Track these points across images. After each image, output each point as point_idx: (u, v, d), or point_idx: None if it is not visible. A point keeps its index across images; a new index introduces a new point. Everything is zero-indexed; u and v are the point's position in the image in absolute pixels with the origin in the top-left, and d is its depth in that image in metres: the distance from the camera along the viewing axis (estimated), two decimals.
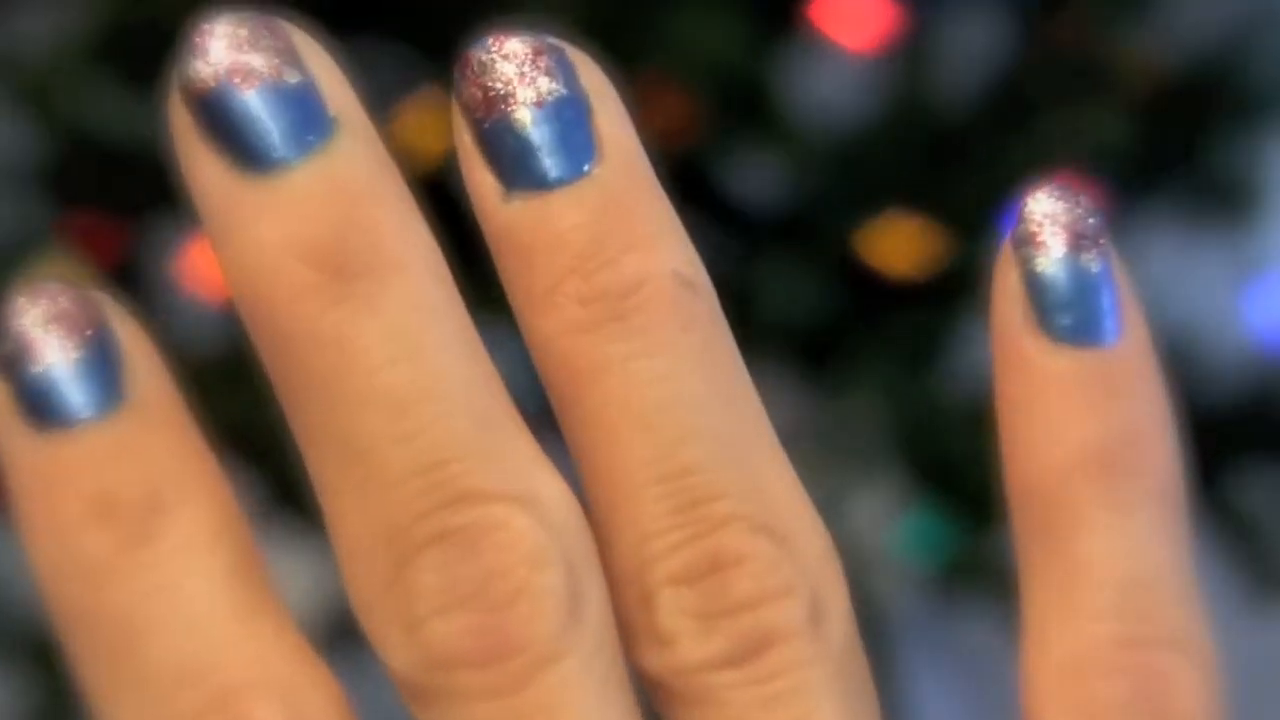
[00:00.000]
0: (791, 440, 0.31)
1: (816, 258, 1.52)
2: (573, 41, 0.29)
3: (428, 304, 0.26)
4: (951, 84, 1.60)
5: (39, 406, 0.25)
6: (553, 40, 0.27)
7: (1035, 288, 0.28)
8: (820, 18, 1.54)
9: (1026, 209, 0.28)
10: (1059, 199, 0.28)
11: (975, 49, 1.64)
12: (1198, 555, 0.30)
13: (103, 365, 0.26)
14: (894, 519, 1.55)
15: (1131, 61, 1.61)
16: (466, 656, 0.25)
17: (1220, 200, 1.64)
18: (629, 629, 0.26)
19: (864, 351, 1.54)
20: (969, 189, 1.51)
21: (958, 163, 1.53)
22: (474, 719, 0.25)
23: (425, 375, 0.26)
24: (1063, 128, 1.55)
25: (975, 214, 1.45)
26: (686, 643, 0.26)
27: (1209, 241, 1.68)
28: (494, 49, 0.27)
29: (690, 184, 1.52)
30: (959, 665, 1.56)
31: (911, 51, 1.56)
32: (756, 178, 1.56)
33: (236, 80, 0.25)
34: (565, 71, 0.27)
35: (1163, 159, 1.64)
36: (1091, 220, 0.28)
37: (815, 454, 1.45)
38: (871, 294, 1.53)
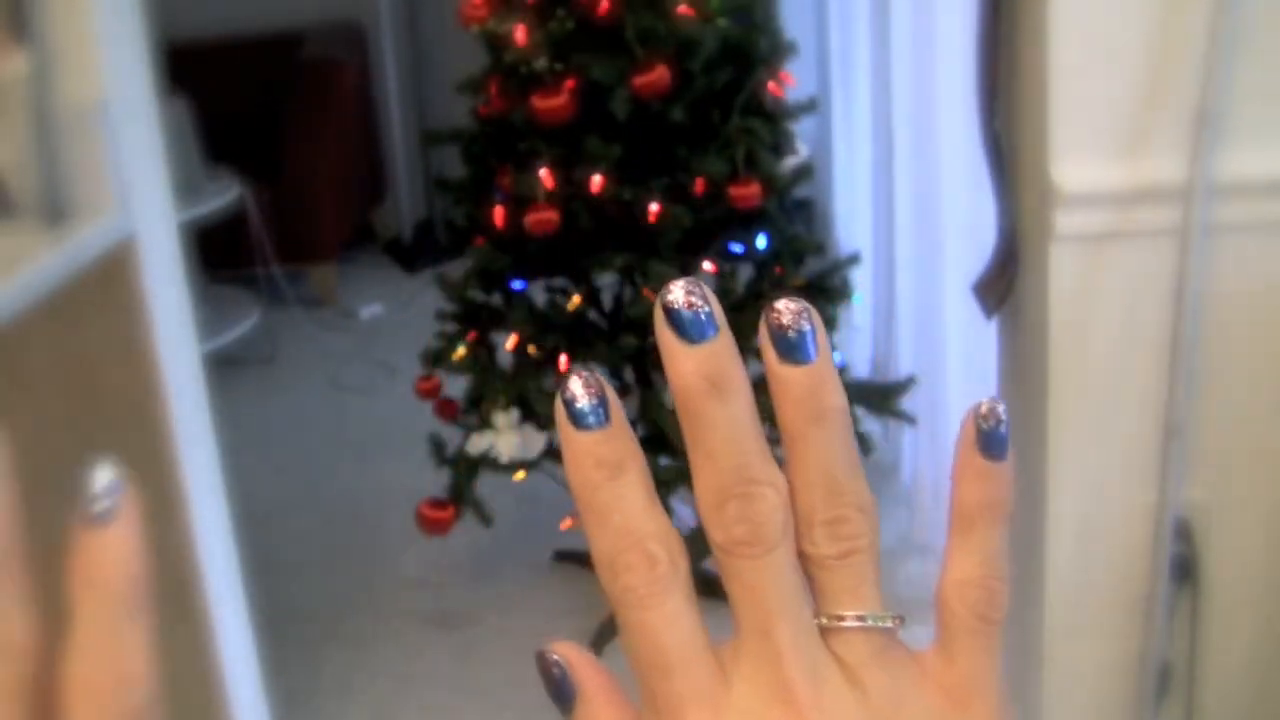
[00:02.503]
0: None
1: None
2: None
3: (743, 404, 0.31)
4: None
5: (576, 419, 0.31)
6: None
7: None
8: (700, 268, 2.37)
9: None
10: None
11: (745, 275, 2.39)
12: None
13: (600, 406, 0.31)
14: None
15: (797, 280, 2.38)
16: (742, 540, 0.31)
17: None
18: (801, 541, 0.31)
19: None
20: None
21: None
22: (741, 565, 0.31)
23: (739, 433, 0.31)
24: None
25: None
26: (823, 546, 0.31)
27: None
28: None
29: None
30: None
31: (726, 276, 2.35)
32: None
33: (684, 305, 0.31)
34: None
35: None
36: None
37: None
38: None
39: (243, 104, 4.39)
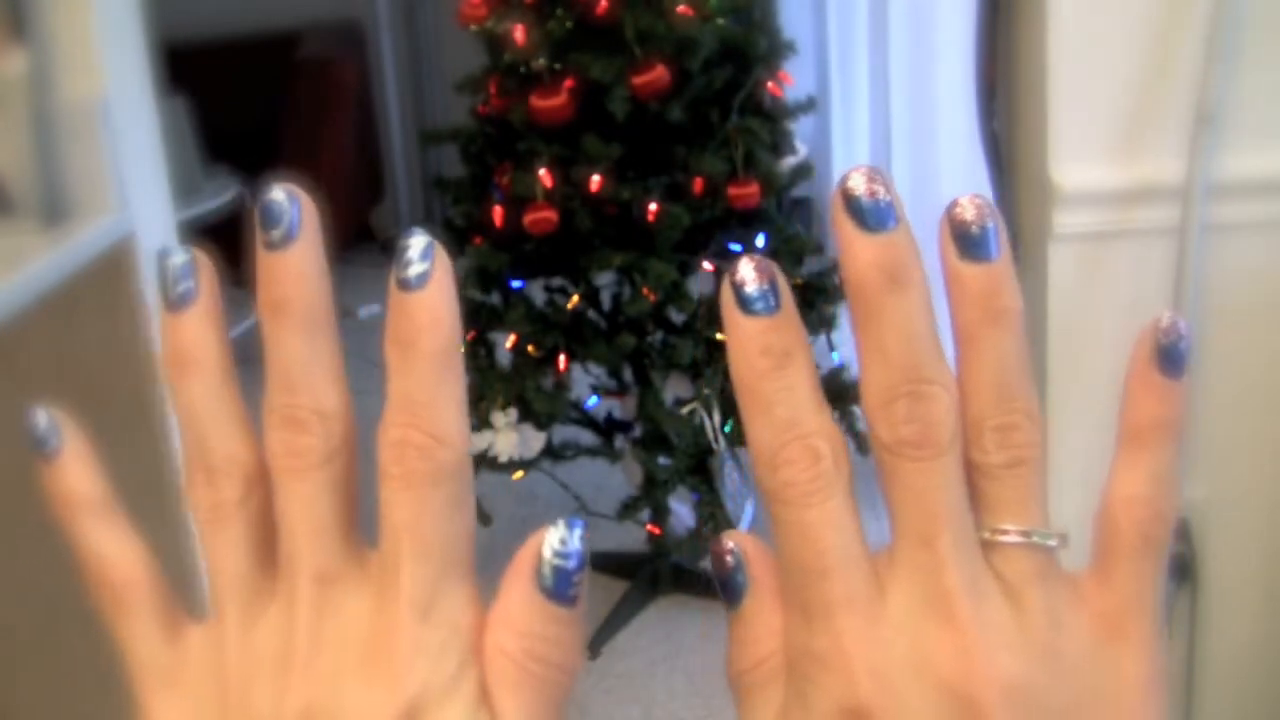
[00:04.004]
0: None
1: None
2: None
3: (921, 299, 0.29)
4: None
5: (745, 304, 0.29)
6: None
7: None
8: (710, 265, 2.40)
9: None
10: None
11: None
12: None
13: (771, 291, 0.29)
14: None
15: (796, 279, 2.38)
16: (910, 441, 0.29)
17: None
18: (968, 448, 0.30)
19: None
20: None
21: None
22: (907, 468, 0.29)
23: (915, 329, 0.29)
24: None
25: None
26: (991, 454, 0.30)
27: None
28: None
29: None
30: None
31: (724, 276, 2.47)
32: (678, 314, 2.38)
33: (865, 193, 0.29)
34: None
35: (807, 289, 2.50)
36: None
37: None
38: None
39: (241, 103, 4.39)
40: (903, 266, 0.29)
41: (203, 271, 0.32)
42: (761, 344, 0.29)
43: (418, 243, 0.29)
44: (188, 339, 0.31)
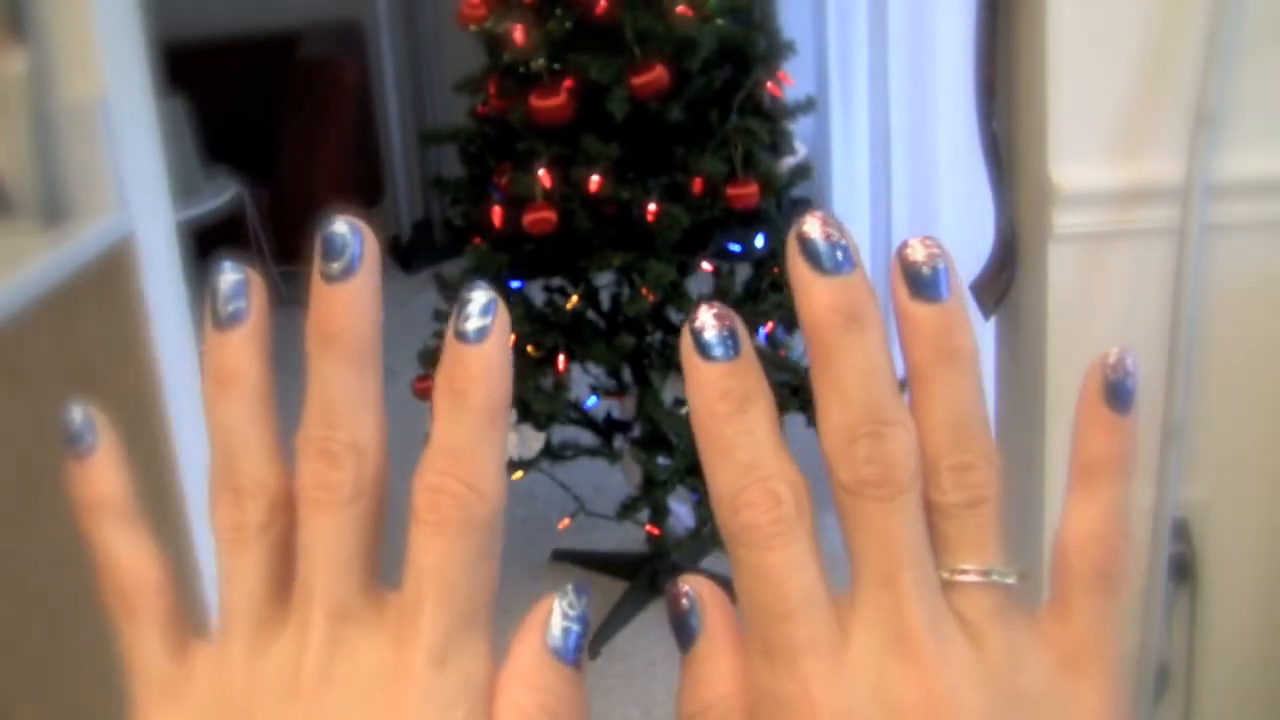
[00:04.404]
0: None
1: None
2: None
3: (878, 340, 0.29)
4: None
5: (703, 349, 0.29)
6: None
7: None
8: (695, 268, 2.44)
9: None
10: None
11: (743, 275, 2.42)
12: None
13: (730, 337, 0.29)
14: None
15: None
16: (871, 481, 0.29)
17: None
18: (926, 485, 0.30)
19: None
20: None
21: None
22: (869, 509, 0.29)
23: (873, 370, 0.29)
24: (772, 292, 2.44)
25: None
26: (949, 494, 0.30)
27: None
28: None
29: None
30: None
31: (724, 276, 2.41)
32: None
33: (820, 237, 0.29)
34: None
35: None
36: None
37: None
38: None
39: (241, 104, 4.39)
40: (859, 308, 0.29)
41: (254, 292, 0.32)
42: (720, 389, 0.29)
43: (480, 297, 0.30)
44: (231, 358, 0.31)
